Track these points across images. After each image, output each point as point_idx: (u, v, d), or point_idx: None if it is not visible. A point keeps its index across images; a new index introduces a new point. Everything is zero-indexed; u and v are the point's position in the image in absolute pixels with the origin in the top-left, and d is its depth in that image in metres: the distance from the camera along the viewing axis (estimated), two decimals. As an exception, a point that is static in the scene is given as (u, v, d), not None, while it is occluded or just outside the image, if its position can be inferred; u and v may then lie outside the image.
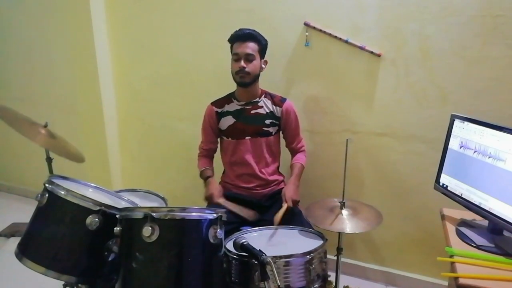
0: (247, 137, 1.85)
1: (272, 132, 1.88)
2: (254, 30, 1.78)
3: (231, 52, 1.81)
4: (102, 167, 2.71)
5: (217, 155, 2.01)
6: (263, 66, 1.83)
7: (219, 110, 1.89)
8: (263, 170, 1.88)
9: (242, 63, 1.73)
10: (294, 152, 1.96)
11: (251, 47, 1.75)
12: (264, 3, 2.08)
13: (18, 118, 1.87)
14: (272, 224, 1.60)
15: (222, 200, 1.76)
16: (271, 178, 1.90)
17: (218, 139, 1.97)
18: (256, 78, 1.80)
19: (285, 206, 1.66)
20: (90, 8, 2.40)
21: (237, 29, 1.80)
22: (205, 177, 1.88)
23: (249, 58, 1.74)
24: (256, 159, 1.87)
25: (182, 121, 2.50)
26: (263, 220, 1.74)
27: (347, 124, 2.06)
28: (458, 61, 1.78)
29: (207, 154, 1.97)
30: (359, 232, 1.50)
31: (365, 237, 2.17)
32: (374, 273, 2.20)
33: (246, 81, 1.77)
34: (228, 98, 1.90)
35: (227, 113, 1.87)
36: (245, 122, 1.85)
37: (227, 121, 1.87)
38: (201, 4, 2.24)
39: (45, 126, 1.87)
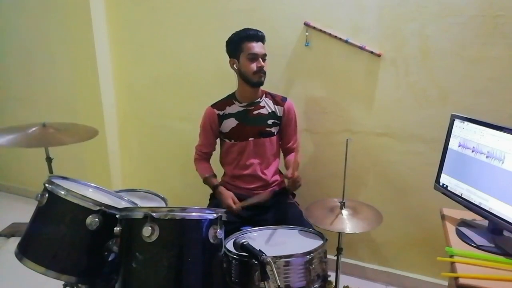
0: (250, 139, 1.85)
1: (274, 132, 1.87)
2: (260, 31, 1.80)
3: (236, 50, 1.77)
4: (102, 167, 2.70)
5: (215, 156, 2.01)
6: None
7: (221, 113, 1.86)
8: (265, 170, 1.88)
9: (262, 63, 1.75)
10: (288, 152, 1.95)
11: (264, 47, 1.78)
12: (264, 3, 2.08)
13: (16, 133, 1.82)
14: (272, 224, 1.61)
15: (239, 207, 1.73)
16: (272, 179, 1.89)
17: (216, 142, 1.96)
18: None
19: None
20: (90, 8, 2.40)
21: (246, 28, 1.78)
22: (213, 186, 1.86)
23: (264, 58, 1.78)
24: (259, 160, 1.86)
25: (182, 121, 2.50)
26: (263, 220, 1.74)
27: (347, 124, 2.06)
28: (458, 61, 1.78)
29: (205, 157, 1.96)
30: (359, 232, 1.50)
31: (365, 237, 2.17)
32: (374, 273, 2.20)
33: (263, 80, 1.79)
34: (229, 100, 1.89)
35: (229, 115, 1.86)
36: (248, 124, 1.84)
37: (229, 124, 1.85)
38: (201, 4, 2.24)
39: (44, 125, 1.86)
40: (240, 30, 1.78)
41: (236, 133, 1.85)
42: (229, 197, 1.76)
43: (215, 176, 1.92)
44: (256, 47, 1.75)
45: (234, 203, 1.74)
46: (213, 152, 2.00)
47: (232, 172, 1.91)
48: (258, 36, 1.77)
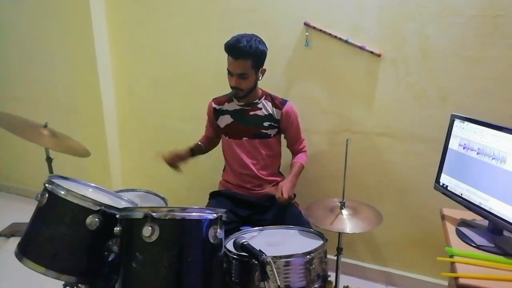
0: (244, 138, 1.85)
1: (270, 134, 1.86)
2: (249, 43, 1.65)
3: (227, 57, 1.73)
4: (102, 167, 2.70)
5: (219, 152, 2.01)
6: (260, 75, 1.78)
7: (217, 107, 1.89)
8: (261, 171, 1.88)
9: (234, 82, 1.71)
10: (295, 153, 1.95)
11: (243, 66, 1.67)
12: (264, 3, 2.08)
13: (17, 122, 1.86)
14: (271, 224, 1.61)
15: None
16: (269, 179, 1.89)
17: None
18: (251, 90, 1.78)
19: (274, 192, 1.71)
20: (90, 8, 2.40)
21: (234, 37, 1.68)
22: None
23: (242, 76, 1.70)
24: (253, 160, 1.86)
25: (182, 121, 2.50)
26: (263, 220, 1.74)
27: (347, 124, 2.06)
28: (458, 61, 1.78)
29: (203, 140, 2.00)
30: (359, 232, 1.51)
31: (365, 237, 2.17)
32: (374, 273, 2.20)
33: (240, 95, 1.78)
34: (230, 97, 1.89)
35: (226, 111, 1.87)
36: (243, 123, 1.84)
37: (225, 120, 1.87)
38: (201, 4, 2.24)
39: (45, 126, 1.86)
40: (231, 38, 1.69)
41: (230, 131, 1.87)
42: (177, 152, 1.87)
43: (199, 144, 1.96)
44: (232, 64, 1.68)
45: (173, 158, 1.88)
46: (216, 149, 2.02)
47: (230, 169, 1.92)
48: (237, 53, 1.65)
